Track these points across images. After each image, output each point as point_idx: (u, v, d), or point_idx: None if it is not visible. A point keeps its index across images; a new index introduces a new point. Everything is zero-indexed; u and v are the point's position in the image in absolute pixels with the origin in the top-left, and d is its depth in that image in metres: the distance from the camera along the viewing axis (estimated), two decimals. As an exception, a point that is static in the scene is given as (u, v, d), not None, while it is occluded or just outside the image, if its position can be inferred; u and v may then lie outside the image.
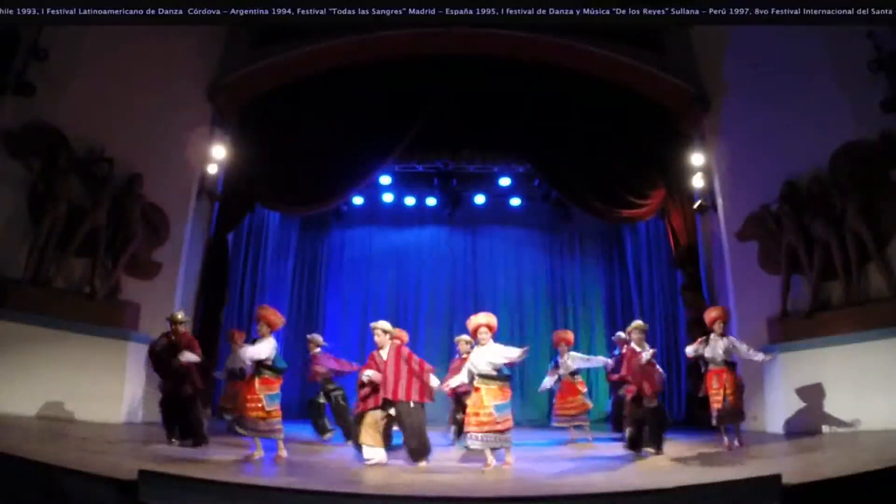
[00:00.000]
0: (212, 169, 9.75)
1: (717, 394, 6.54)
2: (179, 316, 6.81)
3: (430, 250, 13.11)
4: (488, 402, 5.46)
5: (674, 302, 11.11)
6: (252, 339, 6.16)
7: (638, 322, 7.05)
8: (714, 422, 6.60)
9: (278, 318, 6.12)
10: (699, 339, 6.84)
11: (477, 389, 5.58)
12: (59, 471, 3.85)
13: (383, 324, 6.12)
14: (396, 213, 13.16)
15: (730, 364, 6.64)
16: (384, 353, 5.89)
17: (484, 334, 5.68)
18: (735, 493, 3.62)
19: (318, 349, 8.06)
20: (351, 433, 6.91)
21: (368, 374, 5.82)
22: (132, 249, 8.66)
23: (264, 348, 5.83)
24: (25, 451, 4.39)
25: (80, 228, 8.15)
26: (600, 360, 8.39)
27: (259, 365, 5.82)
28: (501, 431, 5.44)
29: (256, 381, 5.80)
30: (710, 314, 6.92)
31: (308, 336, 8.36)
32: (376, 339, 6.03)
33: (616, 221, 11.27)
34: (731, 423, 6.54)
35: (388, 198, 12.96)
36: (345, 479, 4.60)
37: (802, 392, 7.64)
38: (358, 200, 12.76)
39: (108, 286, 8.41)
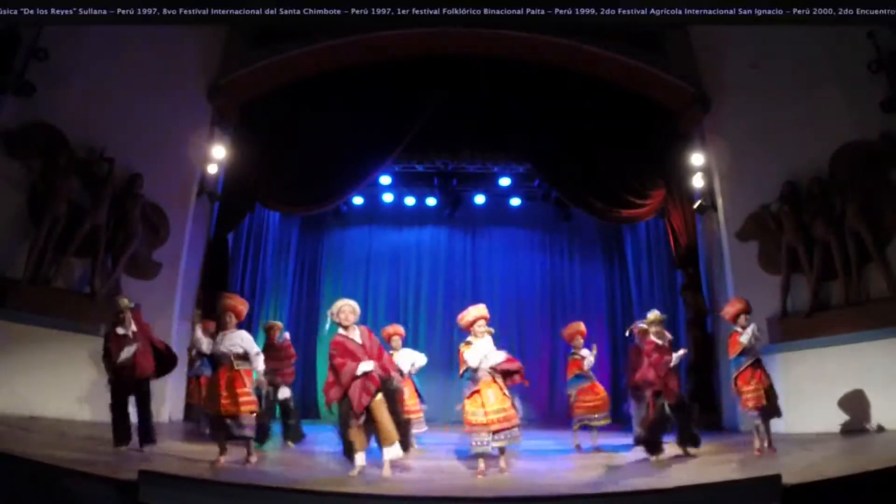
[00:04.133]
0: (212, 169, 9.75)
1: (755, 390, 6.06)
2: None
3: (430, 250, 13.14)
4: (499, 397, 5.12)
5: (674, 302, 11.11)
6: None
7: (656, 312, 6.36)
8: (757, 420, 6.06)
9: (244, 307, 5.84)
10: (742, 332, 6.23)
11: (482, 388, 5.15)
12: (59, 471, 3.85)
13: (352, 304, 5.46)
14: (396, 213, 13.17)
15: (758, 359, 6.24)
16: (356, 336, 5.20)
17: (481, 326, 5.40)
18: (735, 493, 3.62)
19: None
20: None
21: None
22: (132, 249, 8.65)
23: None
24: (25, 451, 4.39)
25: (80, 228, 8.15)
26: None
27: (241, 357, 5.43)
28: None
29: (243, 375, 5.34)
30: (735, 307, 6.40)
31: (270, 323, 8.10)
32: (349, 317, 5.32)
33: (616, 221, 11.26)
34: (768, 419, 6.07)
35: (388, 198, 12.98)
36: (345, 479, 4.60)
37: (802, 392, 7.63)
38: (358, 200, 12.77)
39: (108, 286, 8.40)
